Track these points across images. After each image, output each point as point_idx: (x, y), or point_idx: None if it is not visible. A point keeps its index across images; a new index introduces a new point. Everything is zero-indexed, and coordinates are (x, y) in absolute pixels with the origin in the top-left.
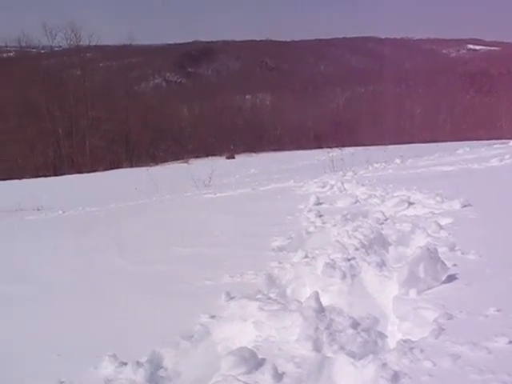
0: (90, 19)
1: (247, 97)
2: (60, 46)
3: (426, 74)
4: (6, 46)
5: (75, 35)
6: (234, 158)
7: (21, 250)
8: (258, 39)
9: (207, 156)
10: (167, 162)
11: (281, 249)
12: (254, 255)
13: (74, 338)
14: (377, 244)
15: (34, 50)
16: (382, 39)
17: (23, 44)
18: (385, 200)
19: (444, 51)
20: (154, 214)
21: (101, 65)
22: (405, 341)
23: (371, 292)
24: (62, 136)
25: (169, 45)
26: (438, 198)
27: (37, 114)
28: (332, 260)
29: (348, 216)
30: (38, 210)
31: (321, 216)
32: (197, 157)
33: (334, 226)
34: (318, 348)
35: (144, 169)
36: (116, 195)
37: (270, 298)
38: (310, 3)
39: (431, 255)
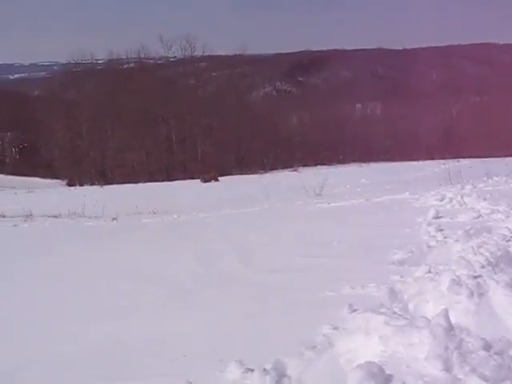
0: (204, 30)
1: (357, 106)
2: (175, 57)
3: None
4: (127, 58)
5: (190, 46)
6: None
7: (142, 251)
8: (369, 47)
9: (316, 165)
10: (276, 169)
11: (401, 262)
12: (375, 268)
13: (199, 341)
14: (504, 262)
15: (151, 61)
16: (501, 45)
17: (142, 55)
18: (510, 216)
19: None
20: (268, 222)
21: (213, 74)
22: None
23: (500, 313)
24: (175, 143)
25: (279, 54)
26: None
27: (153, 122)
28: (457, 277)
29: (471, 231)
30: (154, 213)
31: (441, 230)
32: (305, 165)
33: (457, 241)
34: (448, 368)
35: (254, 176)
36: (228, 202)
37: (394, 313)
38: (423, 10)
39: None
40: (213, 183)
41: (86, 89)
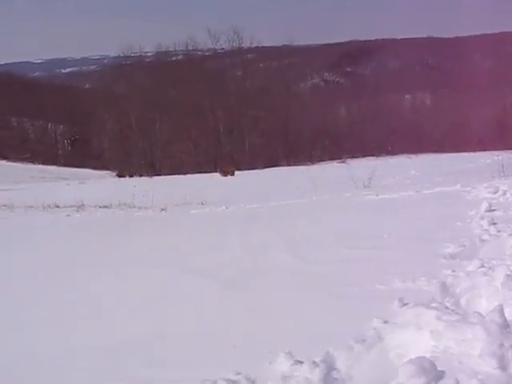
0: (252, 22)
1: (406, 96)
2: (223, 49)
3: None
4: (175, 50)
5: (237, 37)
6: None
7: (191, 242)
8: (418, 36)
9: (364, 156)
10: (324, 161)
11: (453, 256)
12: (425, 261)
13: (248, 332)
14: None
15: (199, 53)
16: None
17: (190, 48)
18: None
19: None
20: (317, 214)
21: (261, 65)
22: None
23: None
24: (223, 134)
25: (327, 44)
26: None
27: (200, 114)
28: None
29: None
30: (203, 204)
31: (494, 224)
32: (353, 157)
33: (510, 235)
34: (503, 366)
35: (302, 167)
36: (276, 193)
37: (446, 308)
38: None
39: None
40: (265, 174)
41: (135, 81)
